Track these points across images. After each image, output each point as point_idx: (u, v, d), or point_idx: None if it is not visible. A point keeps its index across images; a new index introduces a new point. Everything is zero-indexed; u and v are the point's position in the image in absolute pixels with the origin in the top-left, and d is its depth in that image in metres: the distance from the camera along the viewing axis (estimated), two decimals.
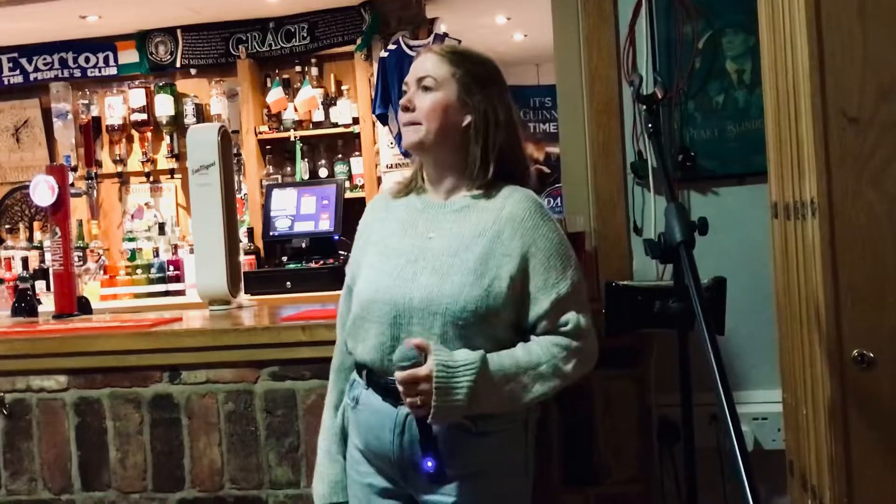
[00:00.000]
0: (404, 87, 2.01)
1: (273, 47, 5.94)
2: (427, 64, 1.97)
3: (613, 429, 2.43)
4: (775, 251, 2.15)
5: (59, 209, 3.31)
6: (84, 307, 3.42)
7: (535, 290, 1.89)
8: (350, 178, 5.87)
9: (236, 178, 5.61)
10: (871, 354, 1.75)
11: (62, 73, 6.18)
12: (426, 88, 1.95)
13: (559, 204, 3.44)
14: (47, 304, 3.56)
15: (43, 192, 3.28)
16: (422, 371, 1.78)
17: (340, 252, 5.10)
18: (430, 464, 1.83)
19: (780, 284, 2.10)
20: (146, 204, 6.13)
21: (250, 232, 5.63)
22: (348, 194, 5.70)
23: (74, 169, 6.02)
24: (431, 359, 1.79)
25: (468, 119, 1.94)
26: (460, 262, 1.88)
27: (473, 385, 1.78)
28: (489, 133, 1.94)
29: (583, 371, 1.92)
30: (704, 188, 2.58)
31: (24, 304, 3.49)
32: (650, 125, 1.81)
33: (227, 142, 3.22)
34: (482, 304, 1.85)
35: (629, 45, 2.57)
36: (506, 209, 1.93)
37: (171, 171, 6.20)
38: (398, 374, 1.80)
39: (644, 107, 1.94)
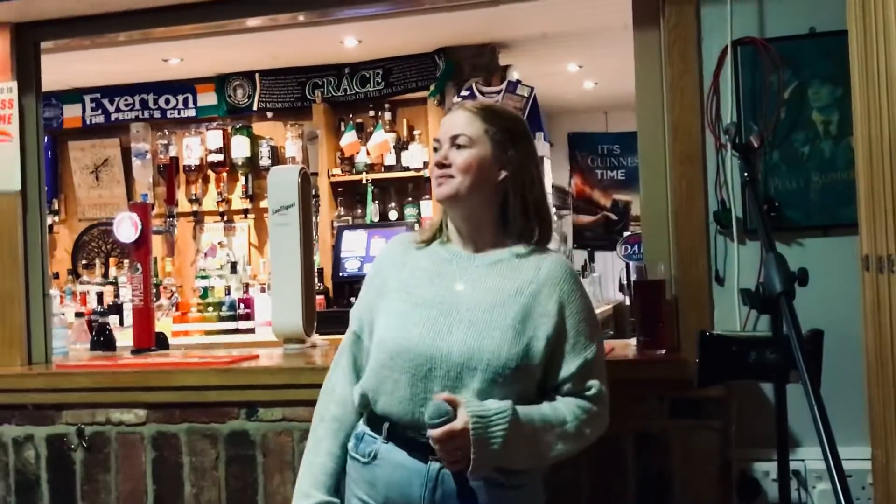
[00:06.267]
0: (435, 144, 1.99)
1: (348, 92, 6.05)
2: (459, 121, 1.96)
3: (691, 482, 2.38)
4: (866, 305, 2.10)
5: (141, 246, 3.37)
6: (161, 342, 3.46)
7: (566, 352, 1.90)
8: (419, 220, 5.91)
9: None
10: None
11: (142, 114, 6.36)
12: (460, 146, 1.94)
13: (637, 251, 3.41)
14: (120, 339, 3.64)
15: (127, 228, 3.35)
16: (458, 425, 1.76)
17: None
18: None
19: (871, 338, 2.05)
20: (219, 243, 6.24)
21: (320, 272, 5.68)
22: None
23: (152, 207, 6.13)
24: (464, 411, 1.77)
25: (503, 175, 1.95)
26: (499, 318, 1.87)
27: (507, 433, 1.77)
28: (525, 189, 1.96)
29: (597, 436, 1.94)
30: (788, 239, 2.54)
31: (103, 339, 3.56)
32: (746, 173, 1.79)
33: (307, 183, 3.26)
34: (521, 361, 1.85)
35: (713, 94, 2.55)
36: (542, 270, 1.94)
37: (245, 212, 6.32)
38: (435, 432, 1.77)
39: (738, 155, 1.91)
